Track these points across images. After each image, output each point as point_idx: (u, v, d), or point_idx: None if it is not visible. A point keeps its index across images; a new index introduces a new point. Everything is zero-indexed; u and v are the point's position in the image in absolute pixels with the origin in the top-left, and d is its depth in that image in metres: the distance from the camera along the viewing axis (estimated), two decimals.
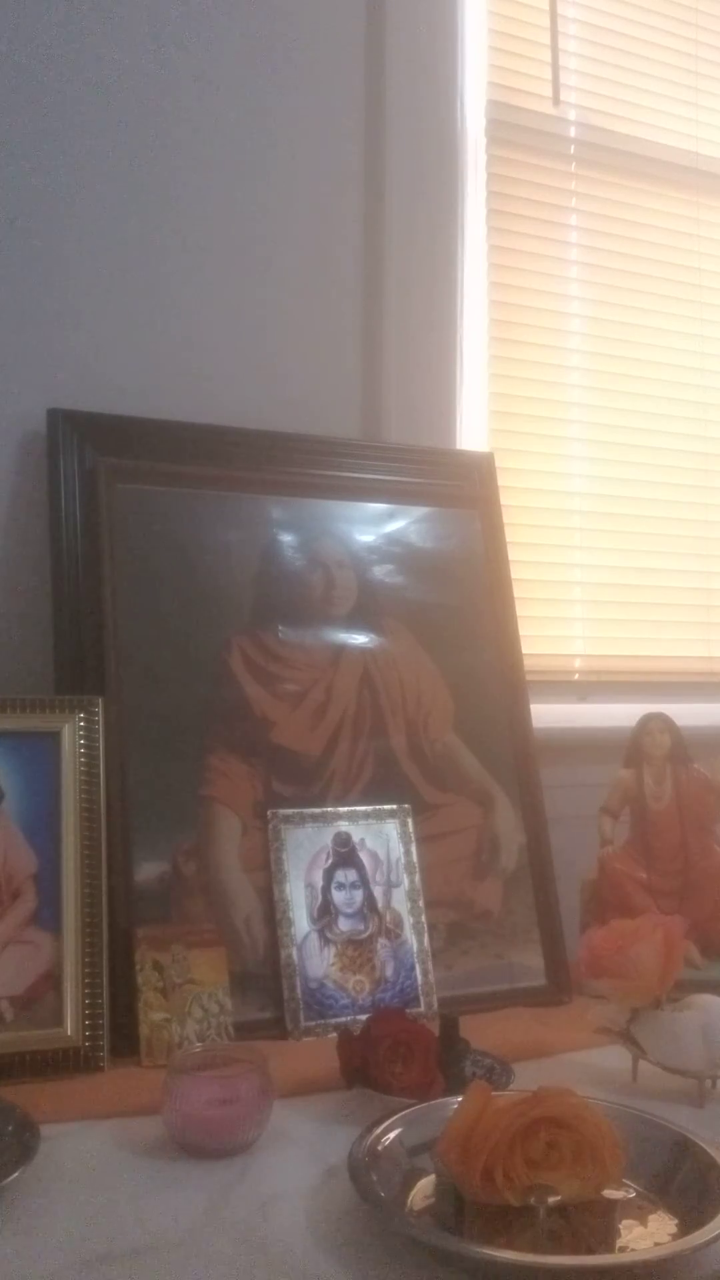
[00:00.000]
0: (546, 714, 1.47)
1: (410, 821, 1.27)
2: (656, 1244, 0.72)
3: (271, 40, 1.46)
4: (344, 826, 1.24)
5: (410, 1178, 0.80)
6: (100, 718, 1.14)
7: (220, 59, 1.43)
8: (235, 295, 1.44)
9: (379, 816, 1.26)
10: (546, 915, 1.31)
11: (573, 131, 1.72)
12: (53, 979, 1.03)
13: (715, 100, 1.84)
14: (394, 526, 1.40)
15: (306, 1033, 1.12)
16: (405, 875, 1.24)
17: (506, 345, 1.64)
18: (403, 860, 1.25)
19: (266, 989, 1.14)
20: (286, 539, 1.33)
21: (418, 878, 1.25)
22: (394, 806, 1.27)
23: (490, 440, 1.61)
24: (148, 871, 1.15)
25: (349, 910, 1.20)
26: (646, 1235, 0.73)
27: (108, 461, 1.26)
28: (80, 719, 1.13)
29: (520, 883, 1.32)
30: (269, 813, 1.22)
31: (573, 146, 1.72)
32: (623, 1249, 0.71)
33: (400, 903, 1.23)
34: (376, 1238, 0.72)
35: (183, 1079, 0.87)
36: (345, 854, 1.22)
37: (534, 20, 1.66)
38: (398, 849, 1.25)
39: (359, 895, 1.21)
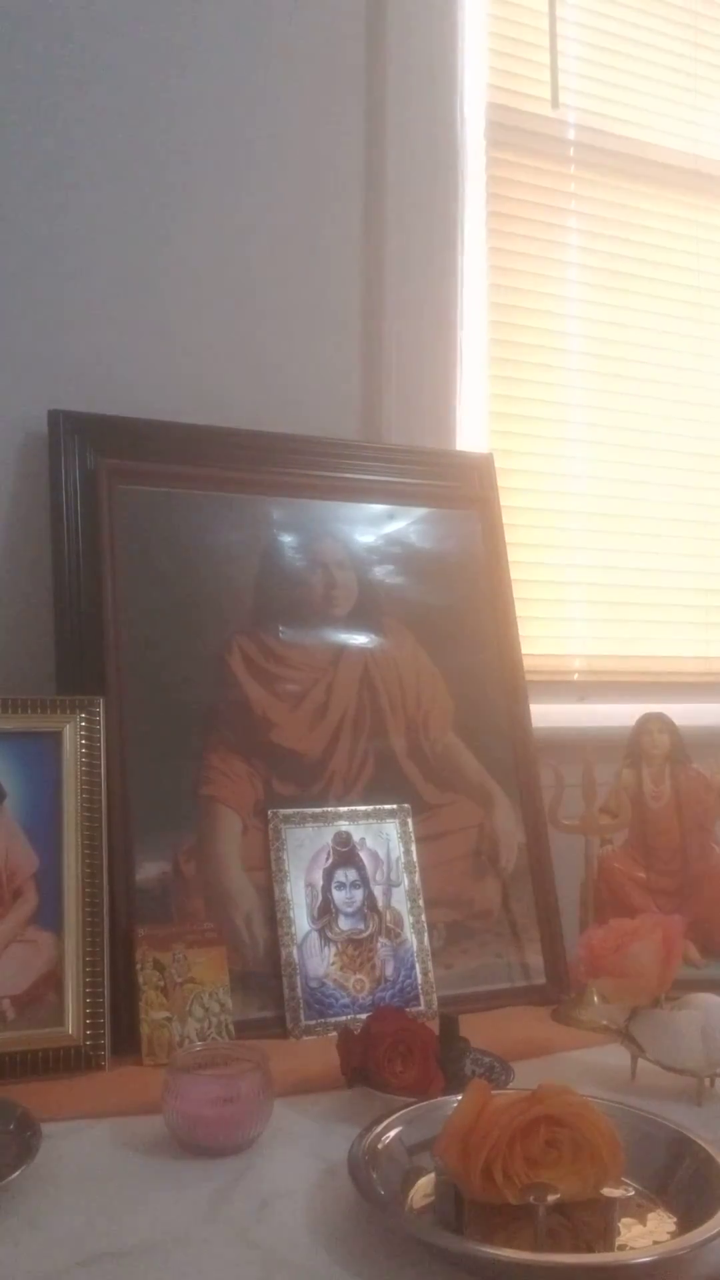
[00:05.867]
0: (546, 714, 1.48)
1: (410, 821, 1.27)
2: (655, 1242, 0.72)
3: (272, 42, 1.47)
4: (344, 826, 1.24)
5: (410, 1176, 0.80)
6: (101, 718, 1.14)
7: (220, 61, 1.44)
8: (236, 296, 1.44)
9: (379, 816, 1.26)
10: (546, 915, 1.31)
11: (572, 134, 1.72)
12: (54, 978, 1.04)
13: (714, 102, 1.84)
14: (394, 527, 1.41)
15: (307, 1031, 1.12)
16: (405, 875, 1.24)
17: (506, 346, 1.65)
18: (403, 860, 1.25)
19: (267, 988, 1.15)
20: (287, 539, 1.34)
21: (417, 877, 1.25)
22: (394, 806, 1.28)
23: (490, 440, 1.61)
24: (148, 871, 1.16)
25: (349, 909, 1.20)
26: (645, 1233, 0.73)
27: (109, 462, 1.27)
28: (81, 719, 1.13)
29: (520, 882, 1.33)
30: (269, 812, 1.22)
31: (572, 149, 1.72)
32: (622, 1247, 0.71)
33: (400, 902, 1.23)
34: (376, 1236, 0.72)
35: (183, 1078, 0.87)
36: (345, 853, 1.23)
37: (533, 23, 1.66)
38: (398, 848, 1.25)
39: (359, 894, 1.21)
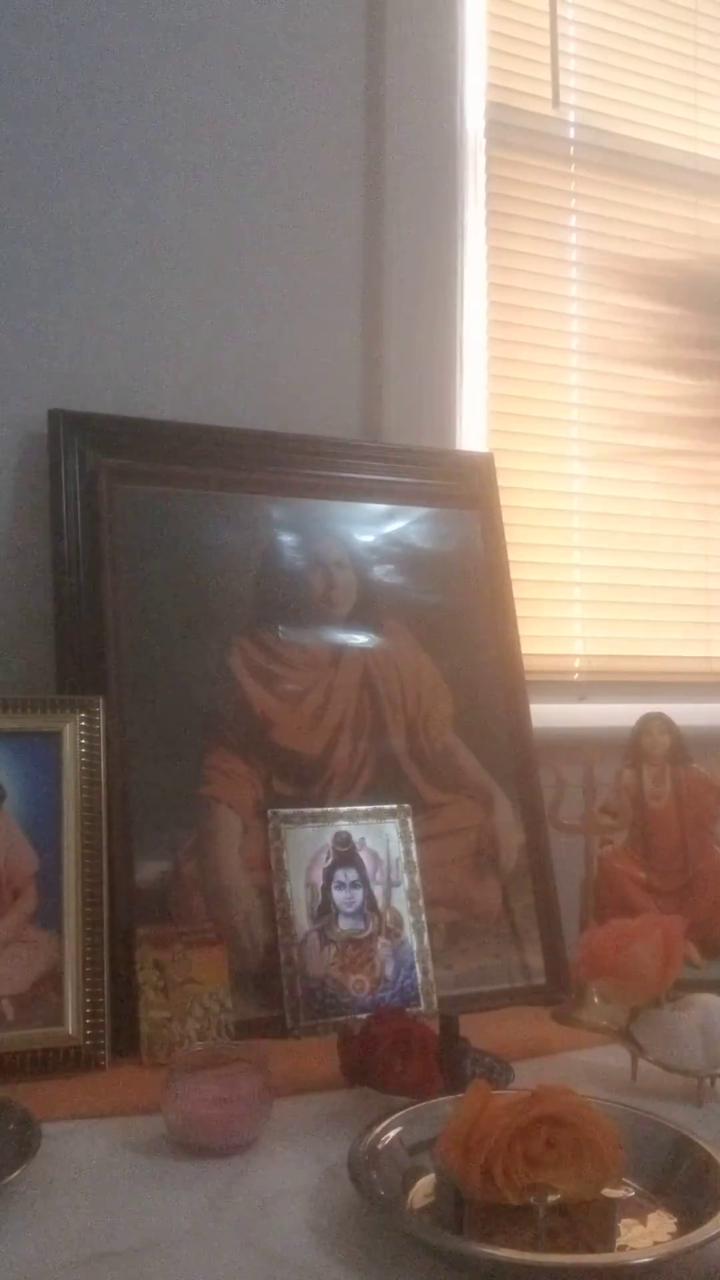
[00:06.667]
0: (546, 714, 1.48)
1: (410, 821, 1.27)
2: (656, 1243, 0.72)
3: (271, 40, 1.46)
4: (344, 826, 1.24)
5: (410, 1176, 0.80)
6: (101, 717, 1.14)
7: (219, 60, 1.43)
8: (235, 295, 1.44)
9: (379, 816, 1.26)
10: (546, 915, 1.31)
11: (572, 133, 1.72)
12: (54, 978, 1.04)
13: (714, 101, 1.84)
14: (394, 527, 1.41)
15: (307, 1031, 1.12)
16: (405, 875, 1.24)
17: (506, 345, 1.65)
18: (403, 860, 1.25)
19: (267, 988, 1.15)
20: (286, 539, 1.34)
21: (418, 877, 1.25)
22: (394, 806, 1.28)
23: (490, 440, 1.61)
24: (148, 871, 1.16)
25: (349, 909, 1.20)
26: (646, 1234, 0.73)
27: (108, 462, 1.27)
28: (81, 719, 1.13)
29: (520, 882, 1.33)
30: (269, 812, 1.22)
31: (572, 148, 1.72)
32: (622, 1248, 0.71)
33: (400, 902, 1.23)
34: (376, 1236, 0.72)
35: (183, 1078, 0.87)
36: (345, 853, 1.23)
37: (533, 22, 1.66)
38: (398, 848, 1.25)
39: (359, 894, 1.21)
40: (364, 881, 1.22)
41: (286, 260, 1.47)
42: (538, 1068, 1.02)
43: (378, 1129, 0.83)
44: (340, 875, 1.21)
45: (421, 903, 1.24)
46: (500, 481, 1.50)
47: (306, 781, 1.26)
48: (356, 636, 1.34)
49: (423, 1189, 0.78)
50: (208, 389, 1.41)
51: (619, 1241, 0.71)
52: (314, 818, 1.23)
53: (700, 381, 1.81)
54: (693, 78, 1.82)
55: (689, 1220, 0.73)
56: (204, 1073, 0.88)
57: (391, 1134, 0.83)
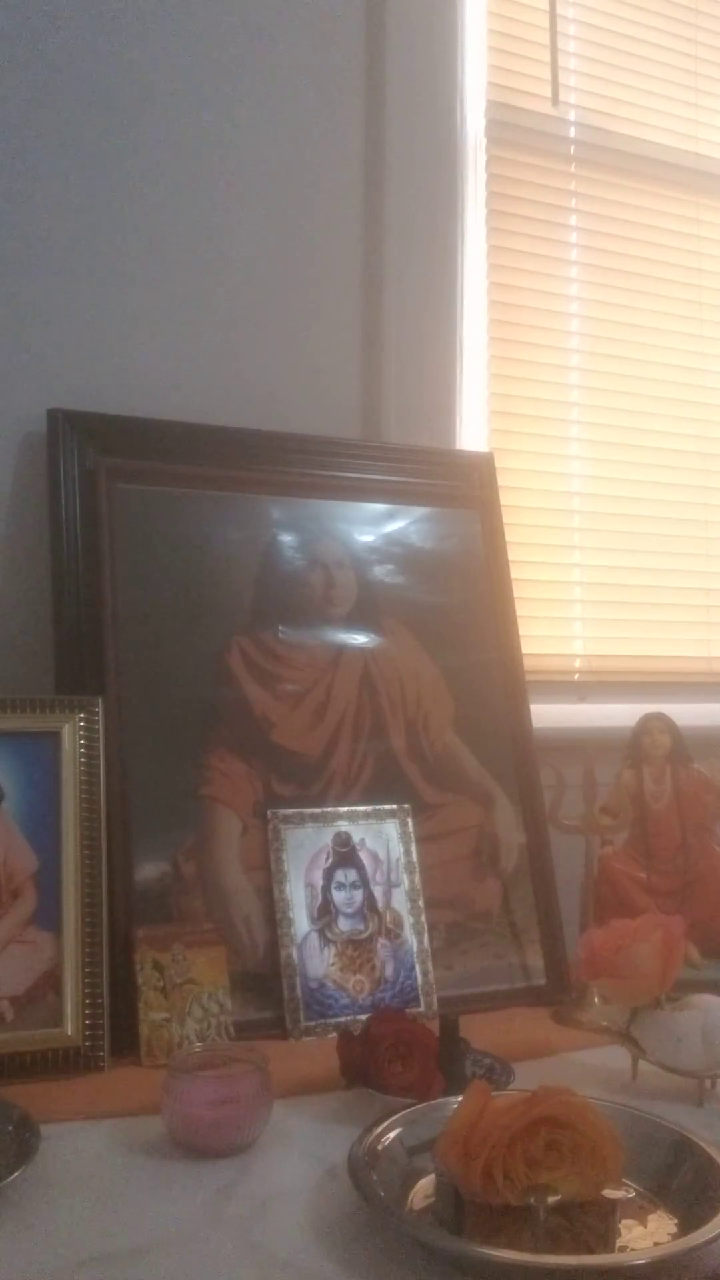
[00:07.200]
0: (546, 714, 1.47)
1: (410, 821, 1.27)
2: (656, 1244, 0.72)
3: (271, 40, 1.46)
4: (344, 826, 1.24)
5: (410, 1177, 0.80)
6: (100, 717, 1.14)
7: (220, 59, 1.43)
8: (235, 295, 1.44)
9: (379, 816, 1.26)
10: (546, 915, 1.31)
11: (572, 132, 1.72)
12: (53, 979, 1.04)
13: (715, 100, 1.84)
14: (394, 527, 1.41)
15: (306, 1032, 1.12)
16: (405, 875, 1.24)
17: (506, 345, 1.64)
18: (403, 860, 1.25)
19: (266, 989, 1.14)
20: (286, 539, 1.34)
21: (418, 878, 1.25)
22: (394, 806, 1.27)
23: (490, 440, 1.61)
24: (148, 871, 1.15)
25: (349, 910, 1.20)
26: (646, 1235, 0.73)
27: (108, 461, 1.27)
28: (80, 719, 1.13)
29: (520, 883, 1.32)
30: (269, 813, 1.22)
31: (572, 147, 1.72)
32: (622, 1249, 0.71)
33: (400, 903, 1.23)
34: (376, 1237, 0.72)
35: (183, 1079, 0.87)
36: (345, 854, 1.23)
37: (533, 20, 1.66)
38: (398, 849, 1.25)
39: (359, 895, 1.21)
40: (364, 882, 1.22)
41: (286, 260, 1.47)
42: (538, 1068, 1.02)
43: (377, 1130, 0.83)
44: (340, 876, 1.21)
45: (421, 903, 1.24)
46: (500, 481, 1.50)
47: (306, 782, 1.26)
48: (356, 636, 1.34)
49: (423, 1190, 0.78)
50: (207, 389, 1.41)
51: (619, 1243, 0.71)
52: (314, 818, 1.23)
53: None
54: (693, 76, 1.82)
55: (689, 1221, 0.73)
56: (203, 1074, 0.88)
57: (391, 1135, 0.82)
